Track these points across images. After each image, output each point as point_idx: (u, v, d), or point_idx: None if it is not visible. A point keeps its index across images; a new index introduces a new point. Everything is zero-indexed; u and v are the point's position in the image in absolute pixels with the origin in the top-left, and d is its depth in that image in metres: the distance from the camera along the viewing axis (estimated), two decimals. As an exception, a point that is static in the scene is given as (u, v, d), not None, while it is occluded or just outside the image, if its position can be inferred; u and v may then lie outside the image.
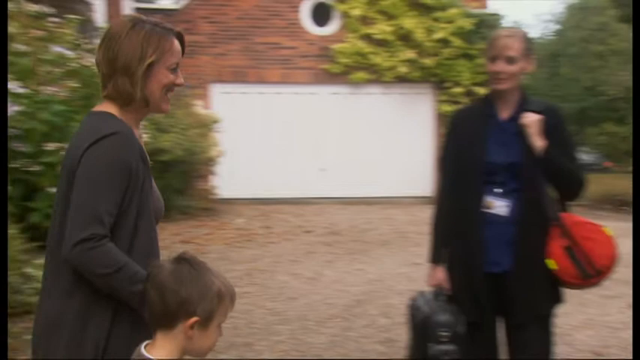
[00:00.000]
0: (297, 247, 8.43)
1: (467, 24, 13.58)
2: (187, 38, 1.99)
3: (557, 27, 28.42)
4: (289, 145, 13.53)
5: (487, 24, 13.88)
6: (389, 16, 13.86)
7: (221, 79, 13.48)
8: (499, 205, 2.69)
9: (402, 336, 4.70)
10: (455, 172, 2.82)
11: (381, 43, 13.86)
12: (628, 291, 5.82)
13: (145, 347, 1.63)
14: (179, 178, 10.34)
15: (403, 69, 13.67)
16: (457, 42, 13.66)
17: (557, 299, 2.76)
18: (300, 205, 12.32)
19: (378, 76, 13.93)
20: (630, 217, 11.39)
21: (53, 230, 1.83)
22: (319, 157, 13.82)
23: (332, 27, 14.06)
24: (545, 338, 2.72)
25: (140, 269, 1.72)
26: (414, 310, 2.77)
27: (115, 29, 1.87)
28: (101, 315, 1.76)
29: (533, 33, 16.99)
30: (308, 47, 13.93)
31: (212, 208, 11.39)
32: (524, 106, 2.76)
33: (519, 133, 2.71)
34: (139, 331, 1.73)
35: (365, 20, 13.89)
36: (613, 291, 5.67)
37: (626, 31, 22.92)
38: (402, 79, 13.88)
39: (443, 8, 13.75)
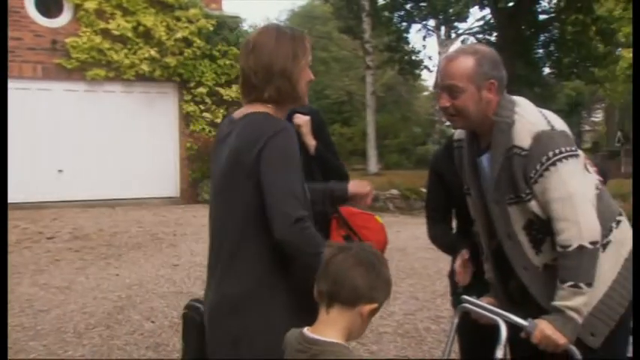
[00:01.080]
0: (39, 255, 7.75)
1: (208, 25, 13.77)
2: None
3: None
4: (21, 144, 12.24)
5: (227, 26, 14.26)
6: (127, 12, 13.41)
7: None
8: None
9: (171, 339, 4.68)
10: None
11: (120, 40, 13.35)
12: (410, 281, 6.53)
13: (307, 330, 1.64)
14: None
15: (145, 67, 13.36)
16: (199, 42, 13.79)
17: None
18: (35, 210, 11.32)
19: (118, 74, 13.40)
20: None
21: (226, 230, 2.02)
22: (56, 158, 12.81)
23: (63, 19, 13.10)
24: None
25: None
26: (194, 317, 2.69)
27: (261, 39, 2.07)
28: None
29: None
30: (35, 39, 12.79)
31: None
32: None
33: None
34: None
35: (101, 14, 13.23)
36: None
37: (347, 41, 25.51)
38: (143, 78, 13.55)
39: (183, 7, 13.75)
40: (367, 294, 1.62)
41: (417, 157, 22.98)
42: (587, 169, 2.20)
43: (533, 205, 2.10)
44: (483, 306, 2.26)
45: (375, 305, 1.64)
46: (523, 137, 2.09)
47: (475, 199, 2.35)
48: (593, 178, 2.21)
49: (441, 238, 2.71)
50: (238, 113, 2.11)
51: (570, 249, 2.01)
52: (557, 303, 2.04)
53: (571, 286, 2.01)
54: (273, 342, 1.81)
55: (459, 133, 2.40)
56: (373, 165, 17.87)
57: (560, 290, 2.04)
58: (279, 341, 1.74)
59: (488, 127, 2.19)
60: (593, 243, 2.01)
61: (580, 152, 2.13)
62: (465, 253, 2.47)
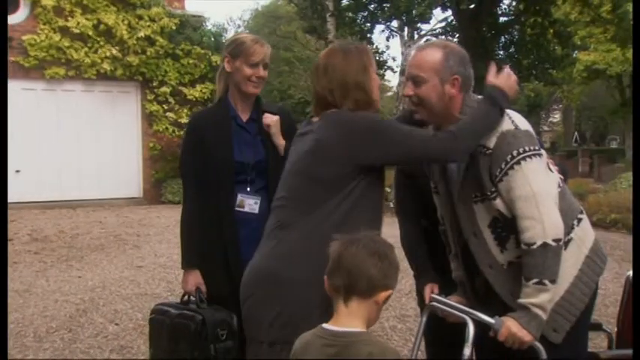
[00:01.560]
0: (-3, 258, 7.53)
1: (170, 23, 13.63)
2: None
3: (247, 32, 30.13)
4: (-25, 145, 11.92)
5: (190, 25, 14.14)
6: (87, 10, 13.18)
7: None
8: (249, 204, 2.74)
9: (135, 342, 4.62)
10: (201, 175, 2.77)
11: (80, 38, 13.11)
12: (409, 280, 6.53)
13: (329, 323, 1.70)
14: None
15: (106, 66, 13.14)
16: (162, 41, 13.63)
17: None
18: (-9, 212, 10.98)
19: (78, 73, 13.14)
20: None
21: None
22: (13, 158, 12.46)
23: (20, 15, 12.79)
24: None
25: None
26: (163, 320, 2.66)
27: (331, 60, 2.26)
28: None
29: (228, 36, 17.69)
30: (-9, 36, 12.46)
31: None
32: (260, 108, 2.86)
33: (260, 132, 2.83)
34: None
35: (60, 12, 12.97)
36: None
37: (311, 41, 25.54)
38: (105, 77, 13.33)
39: (145, 6, 13.57)
40: (382, 282, 1.70)
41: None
42: (550, 169, 2.25)
43: (498, 203, 2.14)
44: (451, 304, 2.28)
45: (390, 292, 1.73)
46: (488, 136, 2.13)
47: (443, 198, 2.38)
48: (555, 177, 2.26)
49: (408, 246, 2.70)
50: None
51: (534, 247, 2.05)
52: (522, 300, 2.08)
53: (536, 283, 2.05)
54: None
55: None
56: (337, 165, 17.95)
57: (525, 287, 2.07)
58: None
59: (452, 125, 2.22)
60: (556, 240, 2.05)
61: (543, 152, 2.18)
62: (433, 288, 2.49)
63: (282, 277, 2.13)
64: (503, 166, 2.10)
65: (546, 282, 2.05)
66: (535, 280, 2.05)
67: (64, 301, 5.70)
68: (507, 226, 2.15)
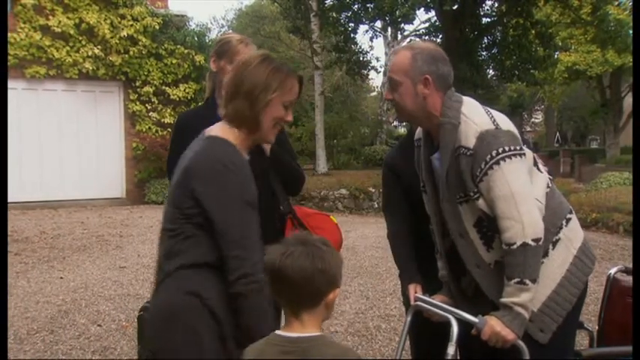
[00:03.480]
0: (-23, 260, 7.43)
1: (153, 23, 13.54)
2: None
3: (230, 32, 30.05)
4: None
5: (173, 24, 14.06)
6: (68, 9, 13.05)
7: None
8: None
9: (118, 343, 4.58)
10: None
11: (62, 37, 12.98)
12: (360, 280, 6.55)
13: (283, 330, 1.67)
14: None
15: (88, 65, 13.03)
16: (145, 41, 13.54)
17: None
18: (-29, 214, 10.82)
19: (59, 72, 13.02)
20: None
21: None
22: (-7, 159, 12.34)
23: None
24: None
25: None
26: None
27: (247, 59, 2.09)
28: None
29: (212, 36, 17.70)
30: (-29, 34, 12.31)
31: None
32: None
33: None
34: None
35: (40, 10, 12.84)
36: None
37: (295, 41, 25.52)
38: (87, 76, 13.22)
39: (127, 5, 13.47)
40: (327, 286, 1.64)
41: (365, 157, 23.12)
42: (539, 168, 2.25)
43: (481, 203, 2.14)
44: (435, 304, 2.30)
45: (337, 291, 1.67)
46: (468, 137, 2.13)
47: (430, 197, 2.39)
48: (544, 176, 2.25)
49: (393, 245, 2.73)
50: (209, 130, 2.12)
51: (514, 247, 2.06)
52: (504, 299, 2.09)
53: (517, 282, 2.06)
54: None
55: (418, 132, 2.44)
56: (322, 165, 17.91)
57: (507, 287, 2.09)
58: None
59: (437, 127, 2.23)
60: (535, 240, 2.06)
61: (527, 151, 2.17)
62: (417, 288, 2.51)
63: None
64: (482, 166, 2.10)
65: (527, 281, 2.06)
66: (516, 280, 2.06)
67: (45, 302, 5.65)
68: (492, 226, 2.16)
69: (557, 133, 41.42)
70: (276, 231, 2.66)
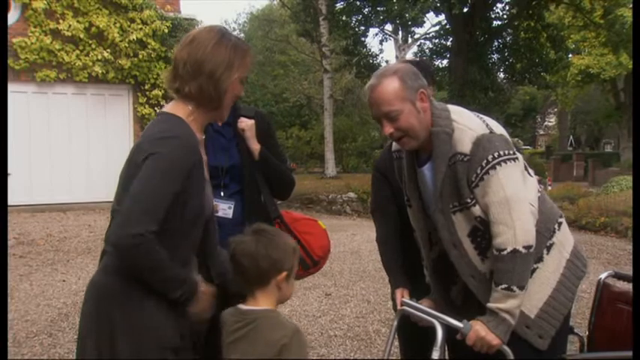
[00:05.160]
0: (-18, 262, 7.47)
1: (163, 26, 13.60)
2: None
3: (242, 35, 30.08)
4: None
5: (183, 27, 14.10)
6: (78, 13, 13.14)
7: None
8: (223, 208, 2.72)
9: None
10: None
11: (72, 41, 13.07)
12: (326, 282, 6.54)
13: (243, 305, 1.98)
14: None
15: (97, 69, 13.10)
16: (154, 44, 13.59)
17: None
18: (-20, 216, 10.91)
19: (69, 75, 13.11)
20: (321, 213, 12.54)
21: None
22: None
23: (10, 18, 12.74)
24: None
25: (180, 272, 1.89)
26: None
27: (202, 35, 2.01)
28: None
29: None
30: (-18, 39, 12.42)
31: None
32: (236, 112, 2.82)
33: (235, 137, 2.79)
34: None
35: (51, 15, 12.93)
36: (311, 282, 6.28)
37: (305, 44, 25.54)
38: (96, 80, 13.29)
39: (137, 9, 13.54)
40: (272, 270, 1.94)
41: (374, 160, 23.10)
42: (528, 172, 2.23)
43: (477, 210, 2.12)
44: (421, 308, 2.27)
45: (284, 273, 1.96)
46: (464, 143, 2.11)
47: (415, 210, 2.35)
48: (533, 181, 2.23)
49: (380, 249, 2.71)
50: (163, 108, 2.08)
51: (505, 252, 2.03)
52: (491, 305, 2.06)
53: (504, 288, 2.03)
54: None
55: (396, 144, 2.38)
56: (331, 168, 17.88)
57: (494, 292, 2.06)
58: None
59: (427, 139, 2.19)
60: (526, 247, 2.03)
61: (519, 156, 2.15)
62: (403, 292, 2.50)
63: None
64: (479, 171, 2.08)
65: (514, 288, 2.03)
66: (504, 286, 2.04)
67: (46, 305, 5.66)
68: (487, 234, 2.13)
69: (571, 137, 41.11)
70: None
